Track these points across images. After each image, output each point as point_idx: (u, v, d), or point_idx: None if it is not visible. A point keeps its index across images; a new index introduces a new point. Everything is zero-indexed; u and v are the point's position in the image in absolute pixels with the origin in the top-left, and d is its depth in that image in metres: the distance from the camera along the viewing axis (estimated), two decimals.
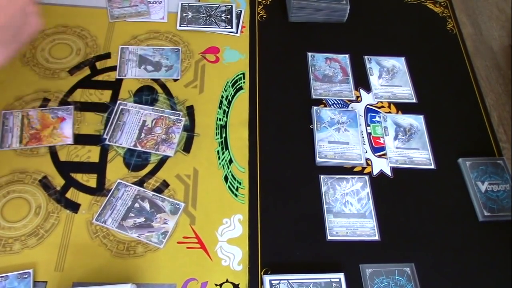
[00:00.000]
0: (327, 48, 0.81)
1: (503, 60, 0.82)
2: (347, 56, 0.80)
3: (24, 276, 0.55)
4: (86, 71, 0.74)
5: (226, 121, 0.71)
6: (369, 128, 0.72)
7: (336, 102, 0.75)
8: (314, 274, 0.58)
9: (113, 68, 0.75)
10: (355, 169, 0.68)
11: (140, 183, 0.64)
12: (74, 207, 0.62)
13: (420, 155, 0.70)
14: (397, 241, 0.63)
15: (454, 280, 0.60)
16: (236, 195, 0.65)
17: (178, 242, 0.60)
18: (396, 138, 0.71)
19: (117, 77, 0.74)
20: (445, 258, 0.62)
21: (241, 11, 0.84)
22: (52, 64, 0.74)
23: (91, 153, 0.66)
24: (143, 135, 0.64)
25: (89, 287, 0.55)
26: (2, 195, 0.62)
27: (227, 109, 0.73)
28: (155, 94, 0.73)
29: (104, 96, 0.72)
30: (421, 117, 0.74)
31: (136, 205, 0.62)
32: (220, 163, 0.67)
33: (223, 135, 0.70)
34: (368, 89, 0.77)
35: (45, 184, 0.63)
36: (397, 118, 0.74)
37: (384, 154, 0.70)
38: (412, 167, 0.69)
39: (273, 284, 0.57)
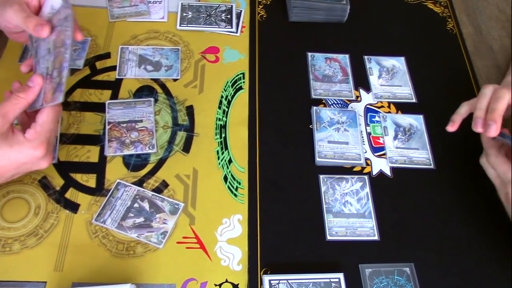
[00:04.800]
0: (327, 48, 0.81)
1: (503, 60, 0.82)
2: (347, 56, 0.80)
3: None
4: (86, 71, 0.74)
5: (226, 121, 0.71)
6: (368, 128, 0.72)
7: (336, 102, 0.75)
8: (314, 274, 0.58)
9: (113, 68, 0.75)
10: (355, 169, 0.68)
11: (140, 183, 0.64)
12: (73, 207, 0.62)
13: (420, 155, 0.70)
14: (397, 241, 0.63)
15: (454, 280, 0.60)
16: (235, 195, 0.65)
17: (178, 242, 0.60)
18: (395, 138, 0.71)
19: (117, 77, 0.74)
20: (445, 258, 0.62)
21: (241, 11, 0.84)
22: None
23: (91, 153, 0.66)
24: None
25: (88, 287, 0.55)
26: (2, 195, 0.62)
27: (226, 109, 0.73)
28: (155, 94, 0.73)
29: (104, 96, 0.72)
30: (421, 117, 0.74)
31: (136, 205, 0.62)
32: (219, 163, 0.67)
33: (223, 135, 0.70)
34: (368, 89, 0.77)
35: (44, 184, 0.63)
36: (397, 118, 0.73)
37: (384, 154, 0.70)
38: (412, 167, 0.69)
39: (273, 284, 0.57)
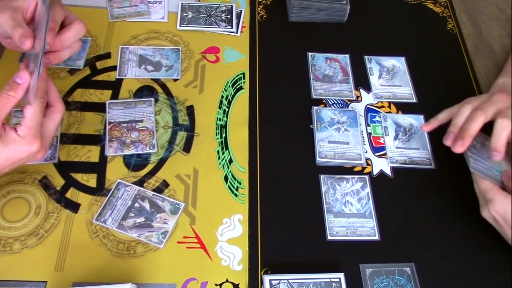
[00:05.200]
0: (327, 48, 0.81)
1: (503, 60, 0.82)
2: (347, 56, 0.80)
3: None
4: (86, 71, 0.74)
5: (226, 121, 0.71)
6: (369, 128, 0.72)
7: (336, 102, 0.75)
8: (314, 274, 0.58)
9: (113, 68, 0.75)
10: (355, 169, 0.68)
11: (140, 183, 0.64)
12: (74, 207, 0.62)
13: (420, 155, 0.70)
14: (397, 241, 0.63)
15: (454, 280, 0.60)
16: (236, 195, 0.65)
17: (178, 242, 0.60)
18: (396, 138, 0.71)
19: (117, 77, 0.74)
20: (446, 258, 0.62)
21: (241, 11, 0.84)
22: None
23: (91, 153, 0.66)
24: None
25: (89, 287, 0.55)
26: (2, 195, 0.62)
27: (227, 109, 0.73)
28: (155, 94, 0.73)
29: (104, 96, 0.72)
30: (421, 117, 0.74)
31: (136, 205, 0.62)
32: (220, 163, 0.67)
33: (223, 135, 0.70)
34: (368, 89, 0.77)
35: (45, 184, 0.63)
36: (397, 118, 0.74)
37: (384, 154, 0.70)
38: (412, 167, 0.69)
39: (273, 284, 0.57)
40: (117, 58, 0.76)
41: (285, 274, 0.58)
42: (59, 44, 0.60)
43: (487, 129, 0.62)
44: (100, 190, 0.63)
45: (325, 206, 0.64)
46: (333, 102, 0.74)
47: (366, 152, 0.70)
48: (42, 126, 0.54)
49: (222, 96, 0.74)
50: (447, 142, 0.61)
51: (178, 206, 0.63)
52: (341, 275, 0.58)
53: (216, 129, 0.70)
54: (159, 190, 0.64)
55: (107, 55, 0.76)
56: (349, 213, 0.64)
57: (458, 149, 0.59)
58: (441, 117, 0.65)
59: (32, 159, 0.55)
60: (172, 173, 0.66)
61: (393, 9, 0.88)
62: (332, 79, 0.77)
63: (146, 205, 0.62)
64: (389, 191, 0.67)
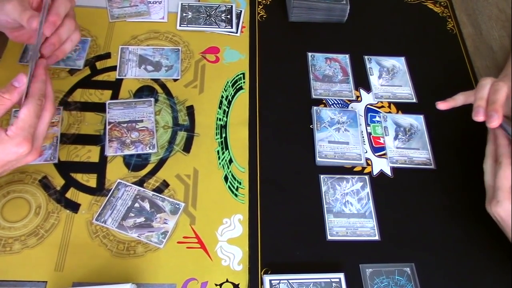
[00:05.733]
0: (327, 48, 0.81)
1: (503, 60, 0.82)
2: (347, 56, 0.80)
3: None
4: (86, 71, 0.74)
5: (226, 121, 0.71)
6: (369, 128, 0.72)
7: (336, 102, 0.75)
8: (314, 274, 0.58)
9: (113, 68, 0.75)
10: (355, 169, 0.68)
11: (140, 183, 0.64)
12: (74, 207, 0.62)
13: (420, 155, 0.70)
14: (397, 241, 0.63)
15: (454, 280, 0.60)
16: (236, 195, 0.65)
17: (178, 242, 0.60)
18: (396, 138, 0.71)
19: (117, 77, 0.74)
20: (446, 258, 0.62)
21: (241, 11, 0.84)
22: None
23: (91, 153, 0.66)
24: None
25: (89, 287, 0.55)
26: (2, 195, 0.62)
27: (227, 109, 0.73)
28: (155, 94, 0.73)
29: (104, 96, 0.72)
30: (421, 117, 0.74)
31: (136, 205, 0.62)
32: (220, 163, 0.67)
33: (223, 135, 0.70)
34: (368, 89, 0.77)
35: (45, 184, 0.63)
36: (397, 118, 0.74)
37: (384, 154, 0.70)
38: (412, 167, 0.69)
39: (273, 284, 0.57)
40: (117, 58, 0.76)
41: (285, 274, 0.58)
42: (56, 40, 0.60)
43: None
44: (100, 190, 0.63)
45: (325, 206, 0.64)
46: (333, 102, 0.74)
47: (366, 152, 0.70)
48: (35, 129, 0.52)
49: (222, 96, 0.74)
50: (479, 117, 0.56)
51: (178, 206, 0.63)
52: (341, 275, 0.58)
53: (216, 129, 0.70)
54: (159, 190, 0.64)
55: (107, 55, 0.76)
56: (349, 213, 0.64)
57: (495, 122, 0.55)
58: (458, 99, 0.62)
59: (22, 162, 0.53)
60: (172, 173, 0.66)
61: (393, 9, 0.89)
62: (332, 79, 0.77)
63: (146, 205, 0.62)
64: (389, 191, 0.67)
